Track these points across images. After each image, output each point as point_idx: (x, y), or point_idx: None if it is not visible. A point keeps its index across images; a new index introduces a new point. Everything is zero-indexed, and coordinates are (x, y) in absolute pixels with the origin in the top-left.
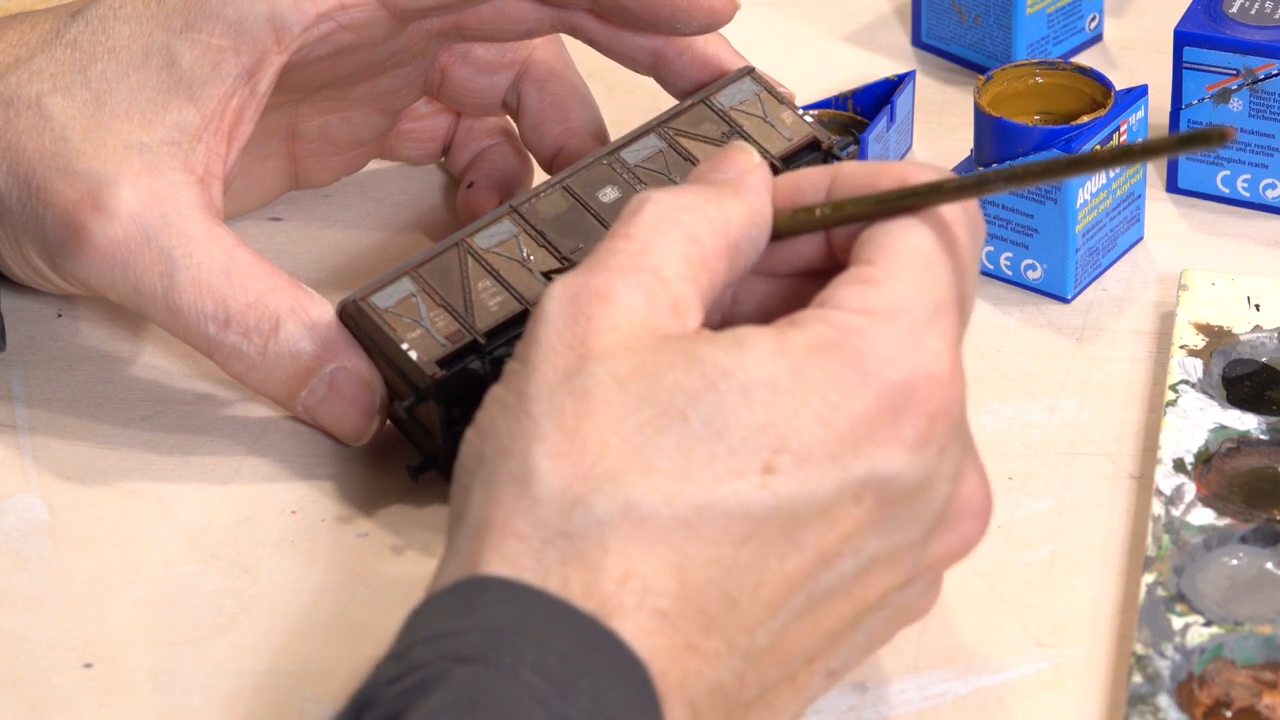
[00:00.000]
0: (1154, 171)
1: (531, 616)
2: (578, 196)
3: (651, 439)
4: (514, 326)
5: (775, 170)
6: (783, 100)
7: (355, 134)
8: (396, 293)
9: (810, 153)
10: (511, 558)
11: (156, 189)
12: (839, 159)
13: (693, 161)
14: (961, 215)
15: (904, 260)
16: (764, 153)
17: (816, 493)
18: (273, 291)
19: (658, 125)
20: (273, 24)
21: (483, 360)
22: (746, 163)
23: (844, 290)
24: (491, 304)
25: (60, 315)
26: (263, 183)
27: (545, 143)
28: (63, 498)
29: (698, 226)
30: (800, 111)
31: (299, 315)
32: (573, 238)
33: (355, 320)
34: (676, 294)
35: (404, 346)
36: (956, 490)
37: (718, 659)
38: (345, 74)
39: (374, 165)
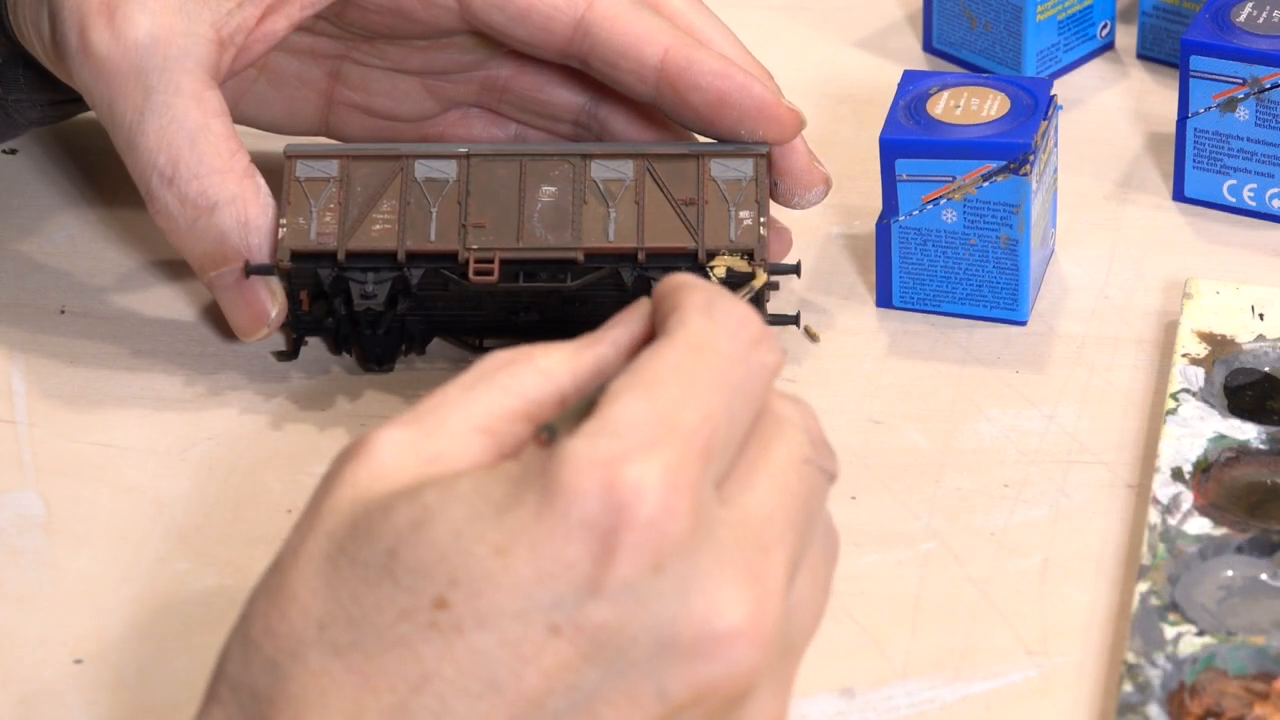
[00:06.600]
0: (1160, 180)
1: None
2: (522, 181)
3: (335, 590)
4: (380, 260)
5: (706, 265)
6: (760, 197)
7: (394, 103)
8: (320, 170)
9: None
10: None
11: (173, 29)
12: (760, 292)
13: (637, 203)
14: (712, 328)
15: (630, 380)
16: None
17: (496, 625)
18: (224, 174)
19: (642, 155)
20: None
21: (333, 271)
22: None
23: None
24: (374, 230)
25: (63, 312)
26: (292, 104)
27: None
28: (59, 494)
29: (525, 377)
30: (763, 220)
31: (236, 208)
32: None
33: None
34: (447, 446)
35: (281, 221)
36: (689, 610)
37: None
38: (401, 33)
39: None
